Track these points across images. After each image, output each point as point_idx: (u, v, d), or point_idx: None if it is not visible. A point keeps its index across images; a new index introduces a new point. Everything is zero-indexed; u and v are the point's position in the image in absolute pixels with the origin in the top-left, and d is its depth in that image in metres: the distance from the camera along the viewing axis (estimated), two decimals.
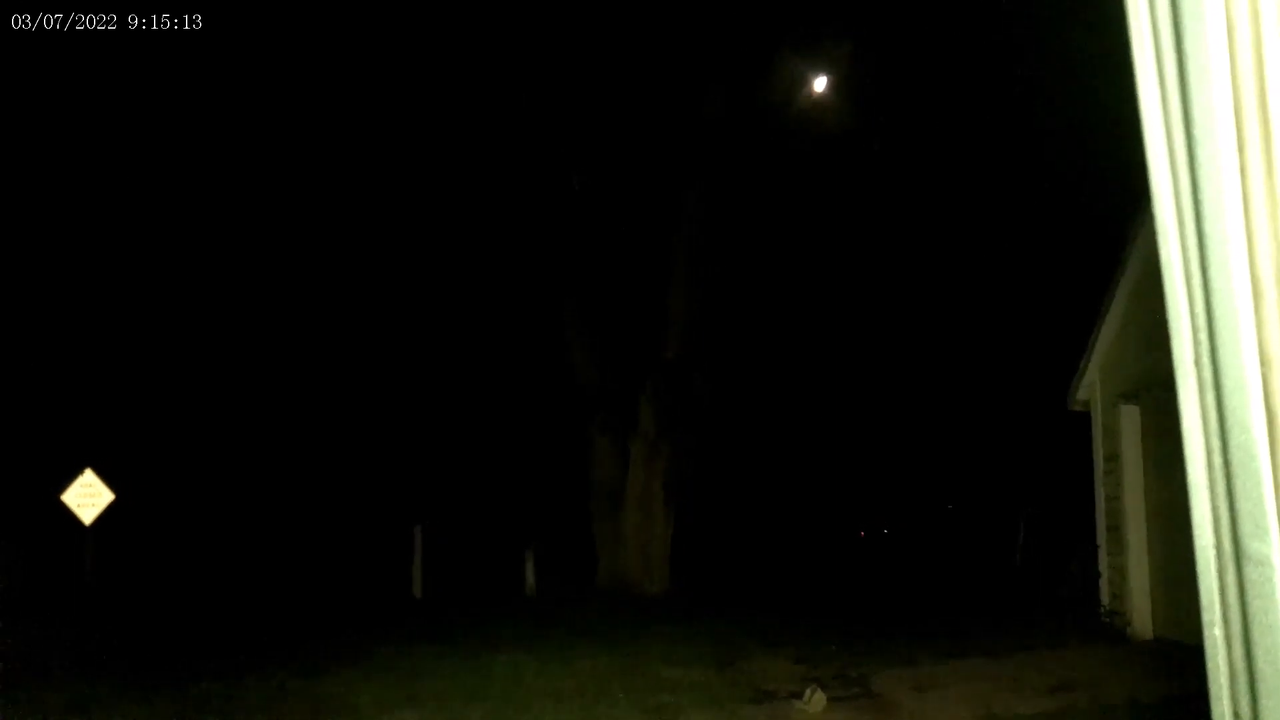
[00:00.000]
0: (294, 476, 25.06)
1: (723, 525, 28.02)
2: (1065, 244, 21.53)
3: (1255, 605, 1.56)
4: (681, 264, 20.58)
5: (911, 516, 33.77)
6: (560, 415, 22.28)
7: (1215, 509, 1.64)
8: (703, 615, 17.25)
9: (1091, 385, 14.36)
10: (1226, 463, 1.60)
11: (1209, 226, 1.60)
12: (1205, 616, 1.69)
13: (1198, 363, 1.67)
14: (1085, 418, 14.72)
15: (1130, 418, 13.73)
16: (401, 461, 25.08)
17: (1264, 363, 1.57)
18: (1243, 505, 1.56)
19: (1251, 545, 1.55)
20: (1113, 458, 13.99)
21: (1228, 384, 1.59)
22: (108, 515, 17.22)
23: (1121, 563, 13.75)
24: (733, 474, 27.78)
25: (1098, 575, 14.34)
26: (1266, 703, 1.55)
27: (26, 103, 20.45)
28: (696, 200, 20.47)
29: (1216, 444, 1.62)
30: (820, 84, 19.86)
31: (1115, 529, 13.92)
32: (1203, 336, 1.65)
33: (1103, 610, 14.07)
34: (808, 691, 10.07)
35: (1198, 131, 1.61)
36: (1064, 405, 15.02)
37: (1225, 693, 1.64)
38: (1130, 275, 13.39)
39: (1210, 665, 1.66)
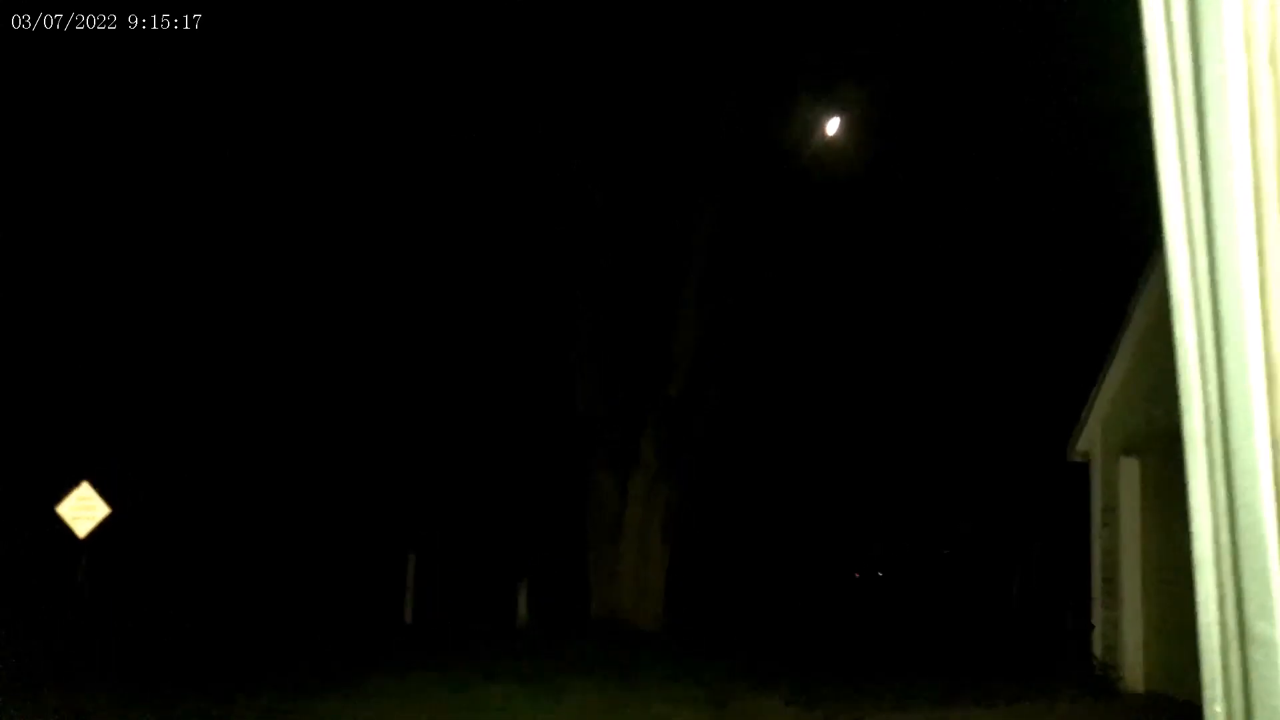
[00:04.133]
0: (289, 499, 24.97)
1: (719, 562, 27.93)
2: (1070, 292, 21.57)
3: (1258, 686, 1.57)
4: (691, 301, 20.61)
5: (906, 560, 33.67)
6: (558, 446, 22.22)
7: (1221, 587, 1.65)
8: (696, 652, 17.18)
9: (1092, 437, 14.35)
10: (1234, 543, 1.61)
11: (1225, 308, 1.62)
12: (1207, 693, 1.70)
13: (1208, 440, 1.68)
14: (1085, 469, 14.70)
15: (1130, 471, 13.71)
16: (397, 488, 25.01)
17: (1275, 446, 1.58)
18: (1249, 586, 1.58)
19: (1257, 626, 1.56)
20: (1110, 510, 13.97)
21: (1238, 465, 1.60)
22: (103, 530, 17.22)
23: (1115, 616, 13.71)
24: (731, 511, 27.72)
25: (1091, 627, 14.30)
26: None
27: (26, 103, 20.43)
28: (708, 234, 20.52)
29: (1225, 523, 1.64)
30: (833, 126, 19.92)
31: (1110, 581, 13.89)
32: (1215, 415, 1.66)
33: (1095, 662, 14.01)
34: None
35: (1217, 214, 1.63)
36: (1063, 455, 15.01)
37: None
38: (1134, 329, 13.41)
39: None
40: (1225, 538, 1.65)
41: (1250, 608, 1.59)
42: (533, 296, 22.12)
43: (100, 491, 17.19)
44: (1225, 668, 1.66)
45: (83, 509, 17.02)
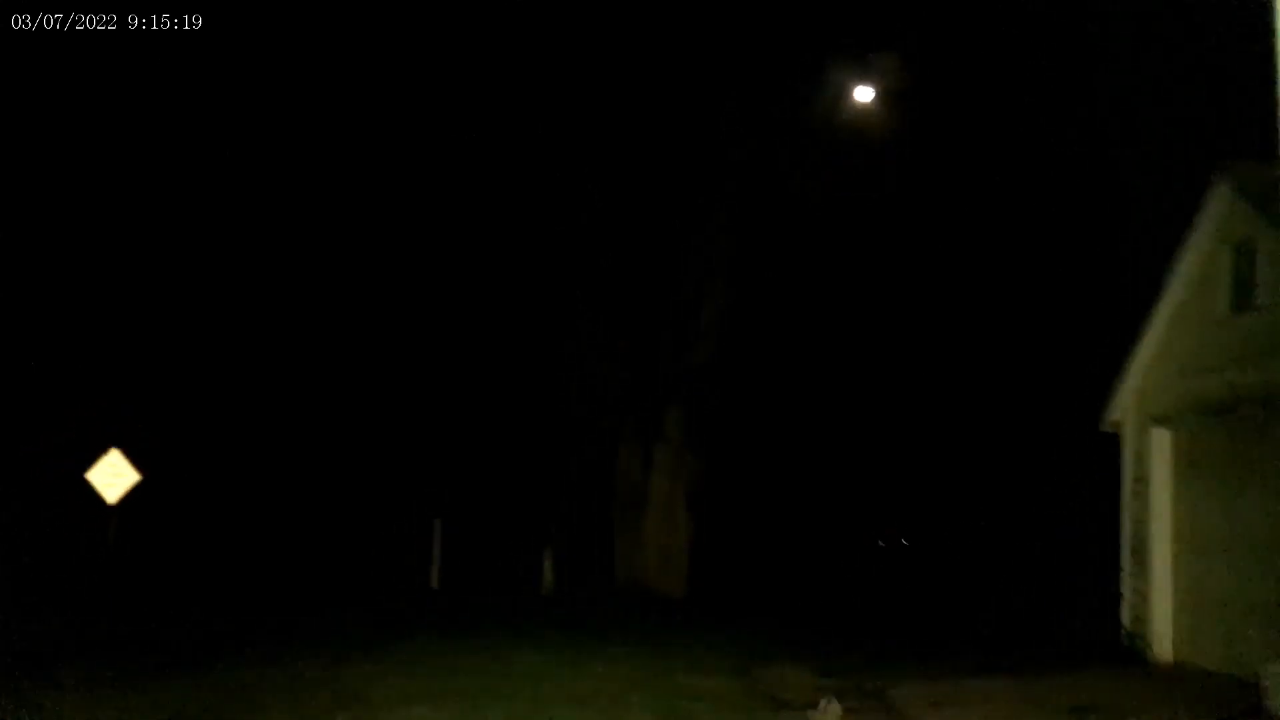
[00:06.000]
0: (318, 468, 25.07)
1: (743, 530, 27.96)
2: (1104, 263, 21.43)
3: None
4: (715, 273, 20.57)
5: (933, 529, 33.60)
6: (585, 416, 22.24)
7: None
8: (721, 621, 17.24)
9: (1124, 407, 14.23)
10: None
11: None
12: None
13: None
14: (1116, 439, 14.58)
15: (1161, 442, 13.59)
16: (424, 455, 25.08)
17: None
18: None
19: None
20: (1141, 480, 13.87)
21: None
22: (132, 501, 17.34)
23: (1144, 586, 13.62)
24: (755, 480, 27.70)
25: (1120, 597, 14.22)
26: None
27: (27, 103, 20.36)
28: (728, 208, 20.46)
29: None
30: (854, 101, 19.80)
31: (1139, 552, 13.80)
32: None
33: (1124, 633, 13.95)
34: (823, 702, 10.00)
35: None
36: (1095, 425, 14.89)
37: None
38: (1169, 301, 13.27)
39: None
40: None
41: None
42: (555, 268, 22.11)
43: (132, 460, 17.32)
44: None
45: (112, 475, 17.15)
